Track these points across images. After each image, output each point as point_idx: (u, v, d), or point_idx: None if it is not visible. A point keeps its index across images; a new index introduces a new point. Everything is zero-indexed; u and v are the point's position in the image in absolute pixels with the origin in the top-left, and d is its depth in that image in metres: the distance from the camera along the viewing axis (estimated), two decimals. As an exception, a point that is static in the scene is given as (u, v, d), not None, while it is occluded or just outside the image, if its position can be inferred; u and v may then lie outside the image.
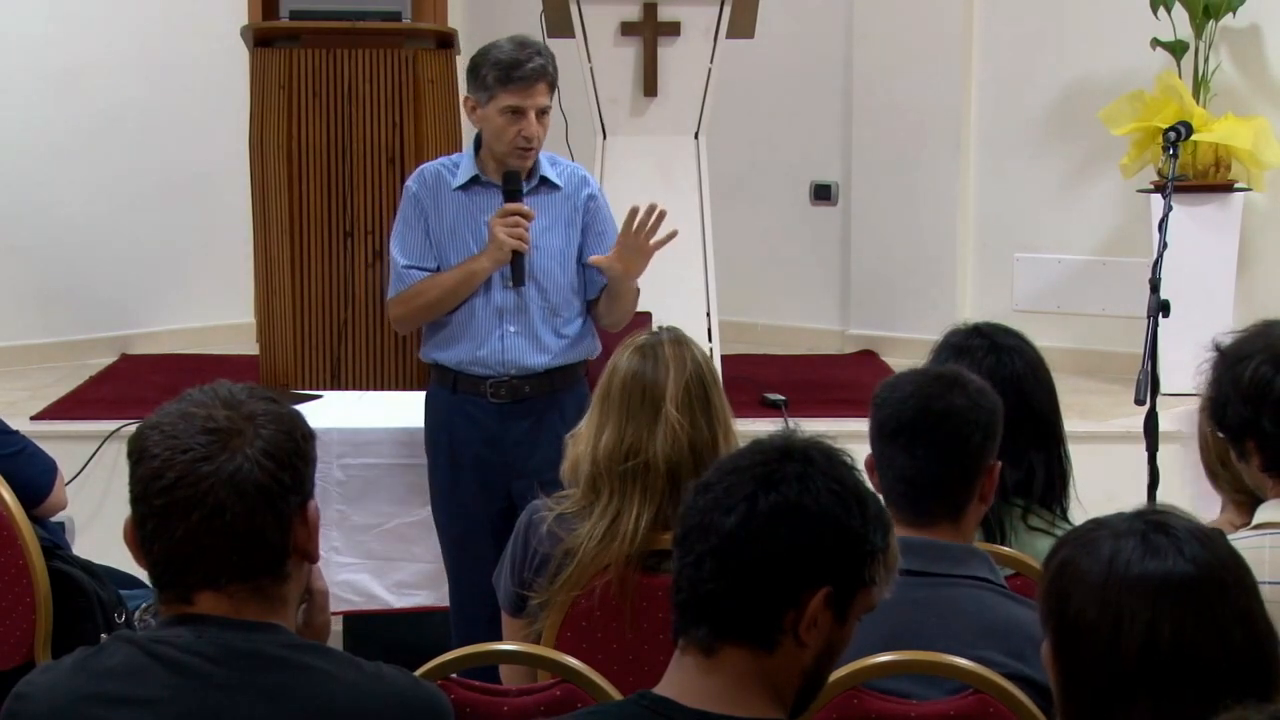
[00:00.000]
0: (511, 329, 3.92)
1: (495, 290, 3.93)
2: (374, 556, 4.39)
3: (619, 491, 2.91)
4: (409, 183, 4.09)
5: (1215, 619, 1.67)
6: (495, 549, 3.88)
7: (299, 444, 1.90)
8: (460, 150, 4.23)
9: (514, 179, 3.91)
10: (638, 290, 4.02)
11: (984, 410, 2.45)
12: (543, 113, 3.89)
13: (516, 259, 3.88)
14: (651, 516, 2.88)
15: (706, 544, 1.78)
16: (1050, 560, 1.77)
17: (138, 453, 1.88)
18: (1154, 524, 1.74)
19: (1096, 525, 1.78)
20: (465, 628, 3.97)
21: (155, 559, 1.87)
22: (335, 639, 4.29)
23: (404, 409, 4.50)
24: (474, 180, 3.97)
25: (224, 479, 1.83)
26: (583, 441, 2.99)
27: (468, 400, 3.96)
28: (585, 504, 2.94)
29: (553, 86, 3.91)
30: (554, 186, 3.97)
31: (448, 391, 4.00)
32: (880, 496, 2.46)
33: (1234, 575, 1.72)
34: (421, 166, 4.13)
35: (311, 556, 1.94)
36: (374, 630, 4.48)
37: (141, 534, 1.88)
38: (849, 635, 1.84)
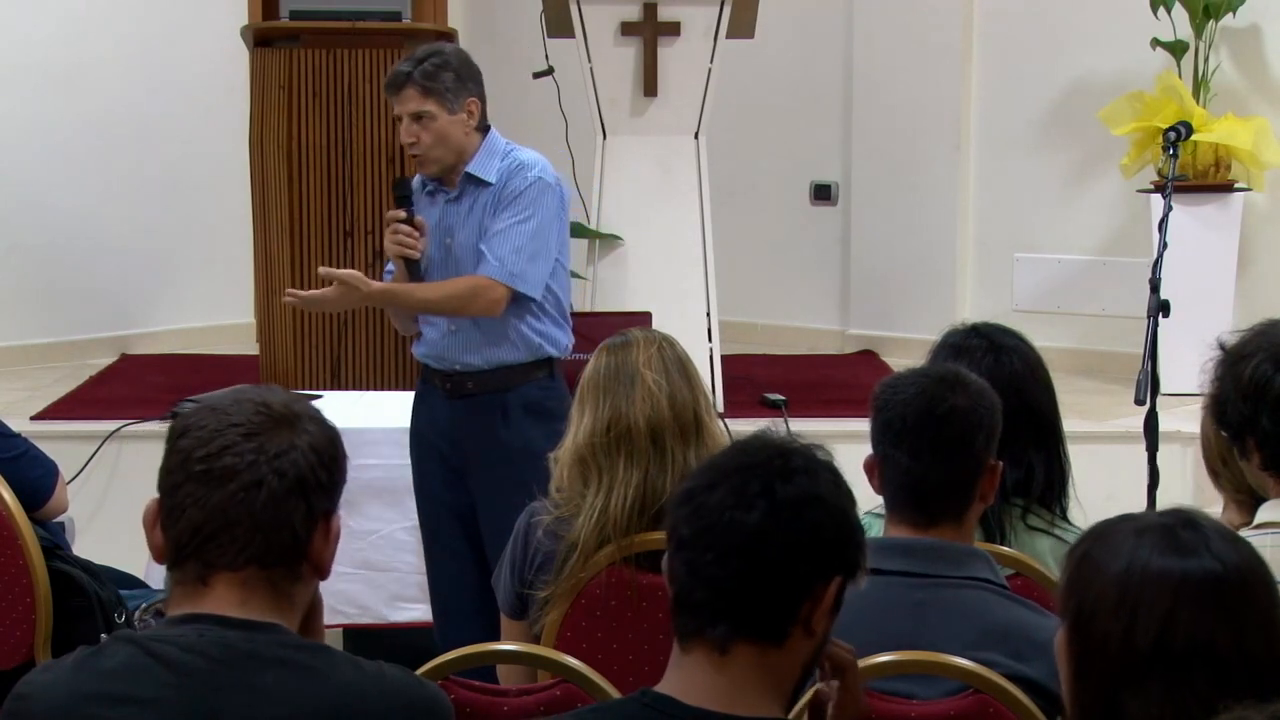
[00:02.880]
0: (451, 327, 3.95)
1: None
2: (370, 566, 4.40)
3: (606, 468, 2.93)
4: None
5: (1235, 618, 1.67)
6: (465, 541, 3.93)
7: (338, 455, 1.95)
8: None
9: (402, 185, 3.95)
10: (459, 283, 3.88)
11: (985, 411, 2.46)
12: (419, 118, 3.84)
13: (411, 266, 3.89)
14: (641, 478, 2.90)
15: (730, 541, 1.79)
16: (1074, 551, 1.77)
17: (182, 429, 1.90)
18: (1183, 520, 1.74)
19: (1123, 519, 1.78)
20: (444, 618, 3.99)
21: (180, 530, 1.87)
22: (335, 642, 4.29)
23: (404, 409, 4.50)
24: (424, 185, 4.02)
25: (269, 456, 1.86)
26: (565, 446, 3.00)
27: (431, 392, 4.04)
28: (579, 498, 2.95)
29: (428, 91, 3.83)
30: (482, 183, 3.92)
31: (421, 383, 4.10)
32: (881, 498, 2.48)
33: (1258, 577, 1.72)
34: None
35: (323, 570, 1.94)
36: (373, 633, 4.47)
37: (171, 504, 1.88)
38: (832, 626, 1.87)
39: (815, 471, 1.83)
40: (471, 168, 3.91)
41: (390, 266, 4.04)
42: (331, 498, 1.94)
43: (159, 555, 1.93)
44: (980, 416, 2.45)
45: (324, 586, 2.00)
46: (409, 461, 4.25)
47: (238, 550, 1.86)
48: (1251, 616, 1.68)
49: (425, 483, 4.07)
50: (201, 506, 1.86)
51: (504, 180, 3.90)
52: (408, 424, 4.29)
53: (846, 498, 1.85)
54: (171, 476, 1.89)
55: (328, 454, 1.92)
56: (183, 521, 1.87)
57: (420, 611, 4.37)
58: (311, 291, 3.93)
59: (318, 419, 1.94)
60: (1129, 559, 1.70)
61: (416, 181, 4.04)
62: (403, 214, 3.89)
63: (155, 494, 1.92)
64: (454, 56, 3.92)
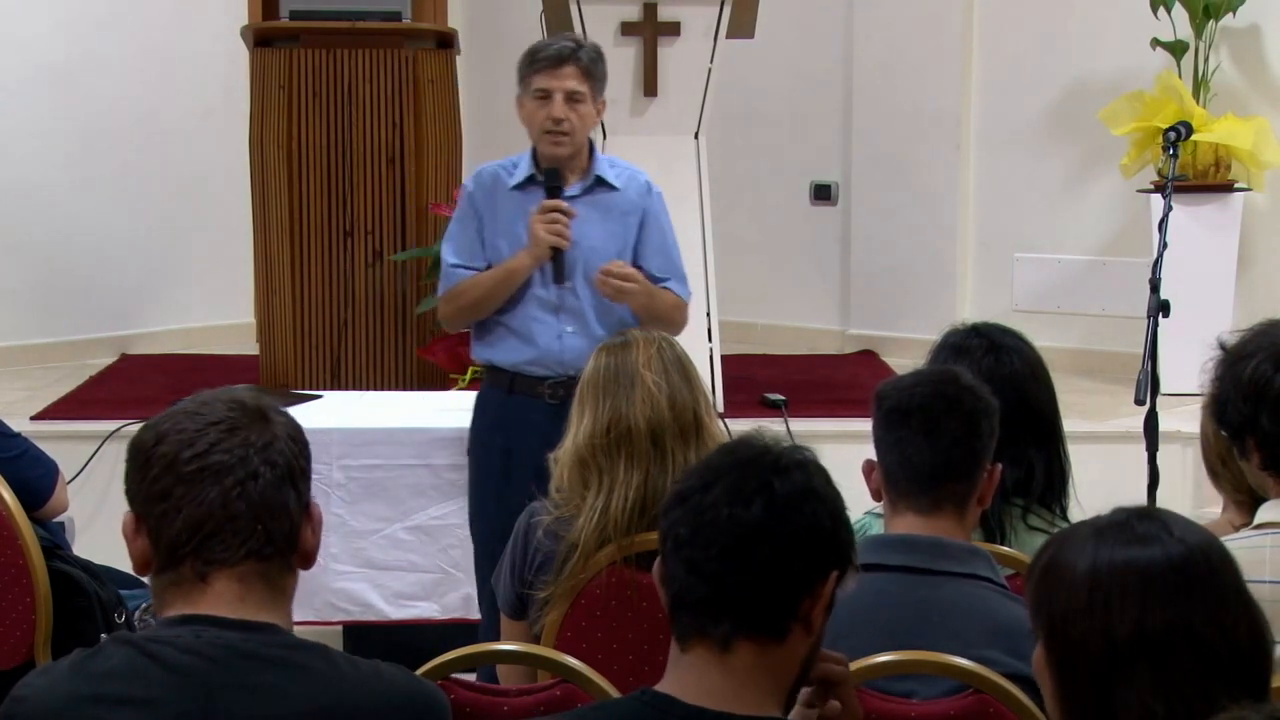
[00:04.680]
0: (569, 329, 3.89)
1: (551, 290, 3.90)
2: (372, 565, 4.38)
3: (607, 469, 2.92)
4: (466, 182, 4.07)
5: (1207, 595, 1.67)
6: None
7: (305, 443, 1.98)
8: (458, 150, 4.24)
9: (554, 175, 3.90)
10: (670, 298, 3.95)
11: (990, 403, 2.48)
12: (573, 97, 3.87)
13: (557, 256, 3.85)
14: (641, 479, 2.89)
15: (730, 537, 1.80)
16: (1034, 565, 1.77)
17: (156, 438, 1.90)
18: (1136, 514, 1.75)
19: (1076, 526, 1.79)
20: (494, 633, 3.94)
21: (176, 531, 1.88)
22: (335, 641, 4.29)
23: (404, 409, 4.50)
24: (530, 180, 3.95)
25: (258, 449, 1.89)
26: (565, 447, 3.00)
27: (524, 402, 3.89)
28: (579, 499, 2.95)
29: (588, 75, 3.89)
30: (611, 187, 3.96)
31: (502, 393, 3.94)
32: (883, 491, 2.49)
33: (1220, 553, 1.73)
34: (480, 168, 4.09)
35: (310, 559, 1.96)
36: (372, 632, 4.47)
37: (161, 508, 1.88)
38: (826, 625, 1.88)
39: (808, 467, 1.85)
40: (601, 171, 3.96)
41: (450, 261, 3.95)
42: (309, 485, 1.97)
43: (142, 565, 1.93)
44: (985, 406, 2.47)
45: (327, 584, 2.01)
46: (410, 462, 4.23)
47: (240, 543, 1.88)
48: (1221, 591, 1.69)
49: (506, 500, 3.83)
50: (199, 504, 1.87)
51: (632, 189, 3.96)
52: (408, 424, 4.28)
53: (837, 494, 1.87)
54: (157, 484, 1.89)
55: (301, 440, 1.96)
56: (179, 523, 1.88)
57: (422, 609, 4.36)
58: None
59: (282, 410, 1.98)
60: (1092, 559, 1.70)
61: (491, 174, 3.99)
62: (563, 204, 3.86)
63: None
64: (601, 53, 3.98)
